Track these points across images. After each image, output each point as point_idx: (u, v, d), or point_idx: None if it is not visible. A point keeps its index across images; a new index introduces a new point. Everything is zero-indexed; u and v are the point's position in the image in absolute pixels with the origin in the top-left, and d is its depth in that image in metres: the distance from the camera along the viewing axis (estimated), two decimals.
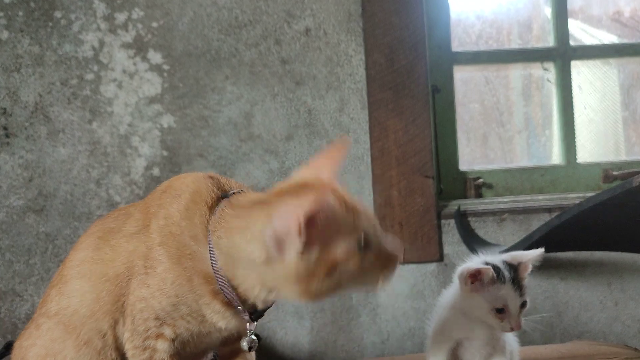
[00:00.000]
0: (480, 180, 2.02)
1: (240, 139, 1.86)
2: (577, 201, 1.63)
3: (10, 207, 1.80)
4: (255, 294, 0.95)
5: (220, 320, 0.99)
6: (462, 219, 1.88)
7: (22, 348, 1.08)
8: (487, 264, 1.18)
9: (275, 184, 1.04)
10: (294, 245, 0.86)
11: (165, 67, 1.85)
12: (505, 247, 1.75)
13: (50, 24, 1.83)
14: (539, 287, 1.89)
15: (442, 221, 1.88)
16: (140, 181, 1.83)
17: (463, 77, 2.15)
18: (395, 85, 1.88)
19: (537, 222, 1.86)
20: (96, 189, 1.82)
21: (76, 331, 1.04)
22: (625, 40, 2.29)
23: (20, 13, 1.83)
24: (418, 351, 1.72)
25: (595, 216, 1.53)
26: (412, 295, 1.87)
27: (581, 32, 2.29)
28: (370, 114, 1.87)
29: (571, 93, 2.08)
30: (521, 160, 2.21)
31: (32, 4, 1.83)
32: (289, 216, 0.86)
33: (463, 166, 2.04)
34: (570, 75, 2.08)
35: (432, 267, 1.87)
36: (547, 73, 2.14)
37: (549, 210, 1.90)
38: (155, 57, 1.85)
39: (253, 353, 1.12)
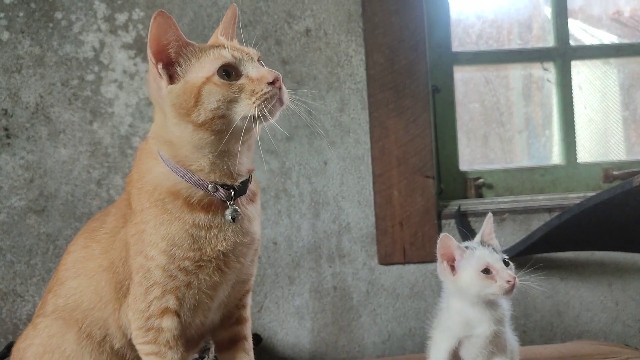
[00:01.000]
0: (481, 180, 2.02)
1: None
2: (578, 201, 1.63)
3: (11, 207, 1.81)
4: (202, 164, 0.99)
5: (215, 236, 0.98)
6: (463, 219, 1.89)
7: (20, 350, 1.09)
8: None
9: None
10: (161, 82, 0.97)
11: None
12: (505, 247, 1.75)
13: (51, 24, 1.84)
14: (539, 287, 1.89)
15: (443, 221, 1.89)
16: None
17: (463, 77, 2.15)
18: (395, 85, 1.88)
19: (537, 222, 1.86)
20: (97, 190, 1.83)
21: (78, 324, 1.05)
22: (625, 40, 2.28)
23: (21, 14, 1.83)
24: (419, 351, 1.72)
25: (596, 216, 1.53)
26: (412, 295, 1.87)
27: (581, 32, 2.29)
28: (371, 114, 1.88)
29: (571, 93, 2.08)
30: (521, 160, 2.21)
31: (33, 5, 1.83)
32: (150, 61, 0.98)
33: (463, 166, 2.04)
34: (570, 75, 2.08)
35: (432, 267, 1.87)
36: (547, 73, 2.14)
37: (549, 210, 1.91)
38: None
39: (251, 343, 1.12)
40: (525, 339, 1.84)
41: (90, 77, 1.84)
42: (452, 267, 1.19)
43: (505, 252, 1.69)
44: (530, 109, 2.23)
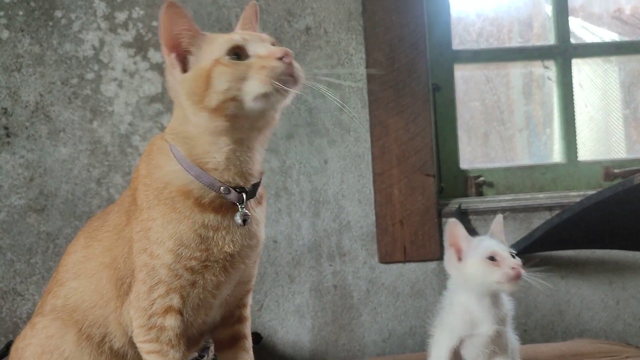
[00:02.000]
0: (481, 178, 2.01)
1: None
2: (578, 199, 1.63)
3: (11, 206, 1.81)
4: (217, 159, 0.98)
5: (223, 237, 0.98)
6: (463, 218, 1.88)
7: (19, 349, 1.08)
8: None
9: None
10: (176, 71, 0.97)
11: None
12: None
13: (51, 23, 1.83)
14: (540, 286, 1.89)
15: (443, 220, 1.88)
16: None
17: (464, 75, 2.14)
18: (395, 83, 1.88)
19: (537, 221, 1.86)
20: (97, 189, 1.82)
21: (77, 325, 1.04)
22: (626, 38, 2.28)
23: (21, 12, 1.83)
24: (419, 350, 1.72)
25: (597, 214, 1.53)
26: (413, 294, 1.87)
27: (582, 30, 2.29)
28: (371, 113, 1.87)
29: (572, 91, 2.08)
30: (522, 158, 2.21)
31: (33, 4, 1.83)
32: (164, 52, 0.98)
33: (464, 164, 2.04)
34: (571, 73, 2.08)
35: (433, 265, 1.87)
36: (548, 71, 2.14)
37: (549, 208, 1.90)
38: (156, 56, 1.85)
39: (250, 341, 1.12)
40: (526, 338, 1.84)
41: (90, 75, 1.84)
42: (459, 257, 1.20)
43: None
44: (531, 107, 2.23)
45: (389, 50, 1.88)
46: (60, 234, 1.81)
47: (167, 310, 0.99)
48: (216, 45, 0.97)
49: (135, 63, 1.84)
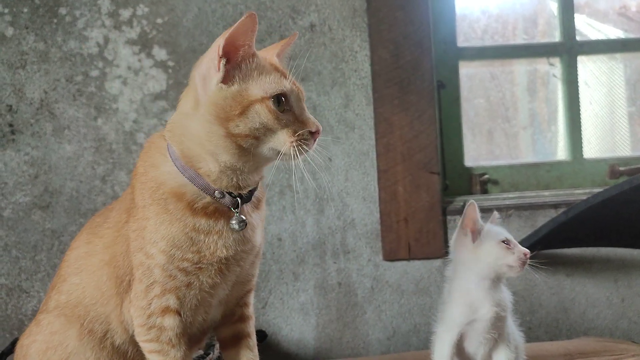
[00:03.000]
0: (486, 176, 2.01)
1: None
2: (583, 197, 1.62)
3: (16, 203, 1.81)
4: (211, 169, 0.97)
5: (215, 242, 0.98)
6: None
7: (24, 346, 1.09)
8: None
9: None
10: (215, 75, 0.95)
11: (170, 63, 1.84)
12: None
13: (55, 20, 1.83)
14: (545, 284, 1.89)
15: (448, 217, 1.88)
16: None
17: (468, 72, 2.14)
18: (400, 81, 1.87)
19: (543, 218, 1.85)
20: (102, 186, 1.83)
21: (80, 321, 1.05)
22: (631, 35, 2.27)
23: (25, 10, 1.83)
24: (424, 347, 1.72)
25: (603, 212, 1.53)
26: (417, 292, 1.87)
27: (587, 27, 2.28)
28: (376, 110, 1.87)
29: (577, 88, 2.07)
30: (527, 156, 2.20)
31: (37, 1, 1.83)
32: (213, 50, 0.96)
33: (468, 162, 2.04)
34: (576, 70, 2.07)
35: (437, 263, 1.86)
36: (553, 68, 2.13)
37: (555, 206, 1.90)
38: (160, 53, 1.84)
39: (254, 340, 1.12)
40: (530, 336, 1.84)
41: (94, 73, 1.84)
42: (472, 239, 1.23)
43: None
44: (536, 104, 2.22)
45: (394, 47, 1.87)
46: (65, 231, 1.81)
47: (165, 310, 0.99)
48: (267, 80, 0.98)
49: (139, 60, 1.84)
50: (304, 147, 0.97)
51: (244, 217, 0.99)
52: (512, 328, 1.26)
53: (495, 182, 2.02)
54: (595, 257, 1.90)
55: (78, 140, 1.82)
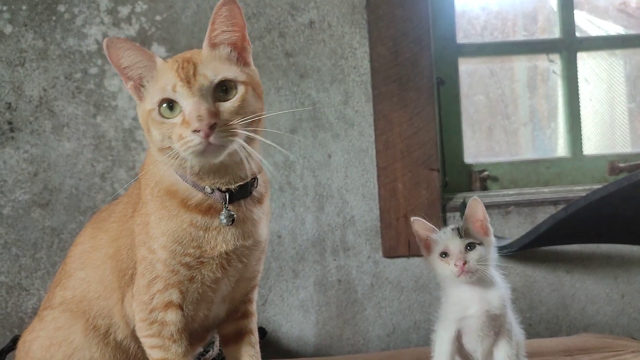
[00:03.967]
0: (486, 172, 2.01)
1: None
2: (583, 194, 1.62)
3: (15, 201, 1.81)
4: (191, 171, 0.95)
5: (215, 237, 0.97)
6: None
7: (26, 342, 1.09)
8: None
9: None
10: (132, 92, 0.98)
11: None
12: (510, 240, 1.74)
13: (54, 17, 1.83)
14: (544, 280, 1.89)
15: (447, 214, 1.88)
16: None
17: (468, 69, 2.13)
18: (399, 77, 1.87)
19: (542, 215, 1.85)
20: (101, 183, 1.82)
21: (85, 316, 1.05)
22: (631, 31, 2.27)
23: (24, 7, 1.83)
24: (424, 344, 1.72)
25: (602, 209, 1.52)
26: (417, 288, 1.87)
27: (587, 24, 2.27)
28: (375, 107, 1.87)
29: (577, 85, 2.07)
30: (526, 152, 2.20)
31: None
32: None
33: (468, 159, 2.03)
34: (576, 66, 2.07)
35: None
36: (553, 65, 2.13)
37: (554, 202, 1.90)
38: (159, 50, 1.84)
39: (257, 337, 1.12)
40: (530, 332, 1.83)
41: (93, 70, 1.84)
42: (428, 252, 1.24)
43: (510, 244, 1.70)
44: (536, 101, 2.22)
45: (393, 44, 1.87)
46: (65, 228, 1.81)
47: (168, 305, 0.99)
48: (157, 86, 0.94)
49: None
50: (194, 149, 0.89)
51: (232, 213, 0.98)
52: (513, 323, 1.26)
53: (495, 179, 2.02)
54: (595, 254, 1.90)
55: (77, 137, 1.82)
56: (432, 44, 1.90)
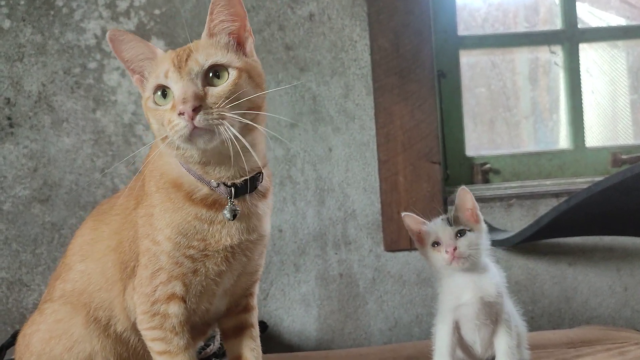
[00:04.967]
0: (487, 165, 2.00)
1: None
2: (585, 186, 1.61)
3: (15, 197, 1.80)
4: (195, 165, 0.96)
5: (219, 231, 0.97)
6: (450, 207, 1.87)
7: (26, 336, 1.08)
8: None
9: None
10: (138, 85, 0.99)
11: None
12: (512, 233, 1.74)
13: (52, 12, 1.82)
14: (547, 273, 1.88)
15: (449, 207, 1.87)
16: None
17: (469, 61, 2.12)
18: (400, 70, 1.86)
19: (544, 207, 1.85)
20: (101, 178, 1.82)
21: (86, 308, 1.04)
22: (633, 22, 2.25)
23: (22, 2, 1.82)
24: (425, 338, 1.72)
25: (604, 201, 1.51)
26: (419, 282, 1.86)
27: (589, 15, 2.26)
28: (376, 100, 1.86)
29: (579, 76, 2.05)
30: (528, 145, 2.19)
31: None
32: None
33: (470, 151, 2.02)
34: (578, 58, 2.05)
35: None
36: (555, 56, 2.11)
37: (556, 195, 1.89)
38: (159, 44, 1.83)
39: (257, 330, 1.11)
40: (533, 325, 1.83)
41: (92, 65, 1.83)
42: (422, 244, 1.25)
43: (512, 237, 1.69)
44: (538, 93, 2.21)
45: (394, 36, 1.86)
46: (65, 224, 1.80)
47: (170, 297, 0.99)
48: (152, 77, 0.95)
49: None
50: (181, 133, 0.88)
51: (235, 208, 0.98)
52: (514, 314, 1.26)
53: (496, 172, 2.01)
54: (597, 246, 1.89)
55: (77, 132, 1.82)
56: (433, 36, 1.89)
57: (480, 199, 1.88)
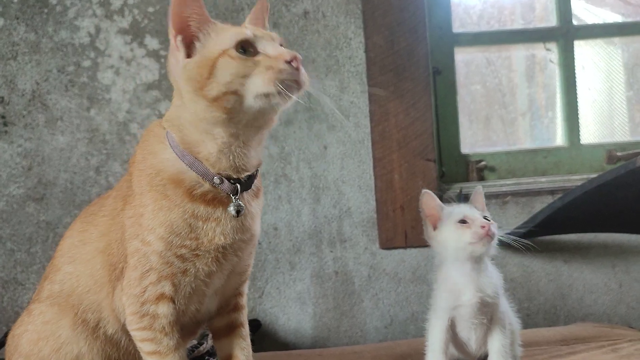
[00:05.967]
0: (483, 163, 2.00)
1: None
2: (581, 183, 1.61)
3: (10, 196, 1.80)
4: (210, 150, 0.96)
5: (213, 229, 0.97)
6: (465, 203, 1.87)
7: (15, 337, 1.08)
8: None
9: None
10: (179, 55, 0.95)
11: (163, 52, 1.83)
12: (508, 230, 1.73)
13: (46, 10, 1.81)
14: (542, 270, 1.88)
15: (444, 204, 1.87)
16: None
17: (464, 58, 2.12)
18: (395, 67, 1.85)
19: (540, 205, 1.85)
20: (96, 177, 1.81)
21: (73, 310, 1.04)
22: (629, 19, 2.25)
23: (15, 0, 1.81)
24: (421, 335, 1.72)
25: (599, 197, 1.52)
26: (414, 280, 1.86)
27: (584, 12, 2.26)
28: (371, 97, 1.85)
29: (574, 73, 2.05)
30: (524, 142, 2.18)
31: None
32: (170, 32, 0.95)
33: (465, 149, 2.02)
34: (573, 55, 2.05)
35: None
36: (550, 53, 2.11)
37: (552, 192, 1.89)
38: (152, 42, 1.83)
39: (247, 329, 1.11)
40: (528, 322, 1.83)
41: (86, 63, 1.82)
42: (434, 226, 1.24)
43: (508, 234, 1.69)
44: (533, 90, 2.20)
45: (389, 33, 1.85)
46: (60, 223, 1.80)
47: (160, 297, 0.98)
48: (226, 36, 0.95)
49: (132, 50, 1.83)
50: (289, 81, 0.93)
51: (241, 203, 0.98)
52: (508, 312, 1.26)
53: (492, 169, 2.01)
54: (592, 243, 1.89)
55: (71, 131, 1.81)
56: (427, 33, 1.88)
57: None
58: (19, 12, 1.81)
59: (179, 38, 0.95)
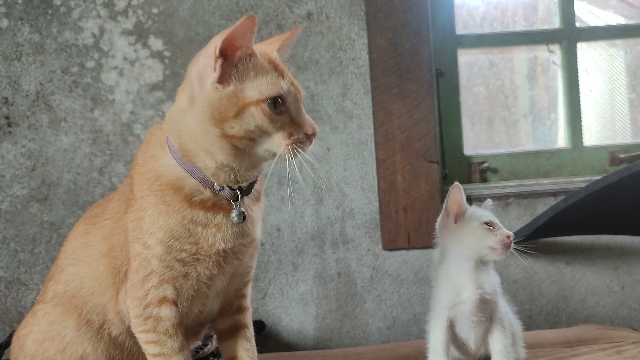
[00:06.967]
0: (485, 164, 2.00)
1: None
2: (583, 185, 1.62)
3: (14, 196, 1.80)
4: (207, 164, 0.97)
5: (213, 234, 0.97)
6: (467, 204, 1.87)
7: (20, 338, 1.09)
8: None
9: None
10: (212, 75, 0.93)
11: (167, 53, 1.83)
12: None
13: (50, 11, 1.82)
14: (545, 272, 1.88)
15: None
16: None
17: (467, 60, 2.12)
18: (398, 69, 1.86)
19: (542, 206, 1.85)
20: (99, 178, 1.82)
21: (77, 311, 1.05)
22: (632, 21, 2.25)
23: (20, 1, 1.81)
24: (424, 337, 1.72)
25: (602, 199, 1.52)
26: (417, 281, 1.87)
27: (587, 14, 2.26)
28: (374, 99, 1.86)
29: (577, 75, 2.05)
30: (526, 144, 2.19)
31: None
32: (210, 48, 0.94)
33: (468, 151, 2.03)
34: (576, 57, 2.05)
35: None
36: (553, 55, 2.11)
37: (554, 194, 1.89)
38: (156, 43, 1.83)
39: (252, 331, 1.11)
40: (530, 324, 1.84)
41: (90, 64, 1.83)
42: (455, 220, 1.24)
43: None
44: (536, 92, 2.21)
45: (392, 35, 1.86)
46: (64, 223, 1.80)
47: (162, 300, 0.99)
48: (264, 81, 0.95)
49: (135, 51, 1.83)
50: (299, 149, 0.95)
51: (244, 210, 0.98)
52: (508, 314, 1.27)
53: (494, 171, 2.01)
54: (595, 245, 1.90)
55: (75, 132, 1.81)
56: (431, 35, 1.89)
57: (478, 199, 1.88)
58: (23, 13, 1.81)
59: (220, 61, 0.94)
